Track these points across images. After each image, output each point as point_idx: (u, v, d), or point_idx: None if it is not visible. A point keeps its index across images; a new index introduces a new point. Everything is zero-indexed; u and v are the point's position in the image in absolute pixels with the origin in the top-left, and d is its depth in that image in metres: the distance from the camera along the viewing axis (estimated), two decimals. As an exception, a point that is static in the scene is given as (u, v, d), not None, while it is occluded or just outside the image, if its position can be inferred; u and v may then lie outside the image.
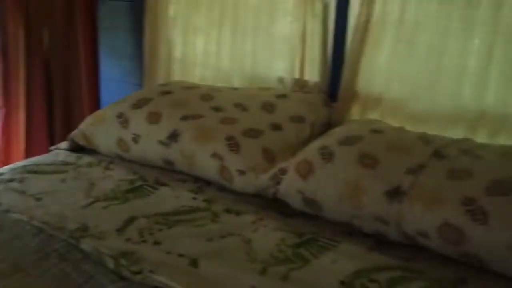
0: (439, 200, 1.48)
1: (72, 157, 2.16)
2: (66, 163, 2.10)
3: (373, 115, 2.17)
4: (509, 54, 1.84)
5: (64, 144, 2.26)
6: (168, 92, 2.24)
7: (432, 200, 1.48)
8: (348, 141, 1.78)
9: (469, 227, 1.40)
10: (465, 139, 1.84)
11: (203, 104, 2.14)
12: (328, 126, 2.18)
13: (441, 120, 2.00)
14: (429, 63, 2.00)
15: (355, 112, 2.22)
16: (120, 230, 1.60)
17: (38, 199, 1.78)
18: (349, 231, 1.63)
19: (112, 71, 3.08)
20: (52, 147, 2.31)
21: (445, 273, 1.41)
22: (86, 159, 2.14)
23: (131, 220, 1.65)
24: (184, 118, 2.04)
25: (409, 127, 2.03)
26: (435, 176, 1.55)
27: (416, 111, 2.05)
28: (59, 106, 3.05)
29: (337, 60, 2.29)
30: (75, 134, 2.22)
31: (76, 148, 2.24)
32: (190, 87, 2.34)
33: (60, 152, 2.22)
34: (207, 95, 2.22)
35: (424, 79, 2.01)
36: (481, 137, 1.92)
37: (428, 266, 1.43)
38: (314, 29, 2.28)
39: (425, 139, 1.76)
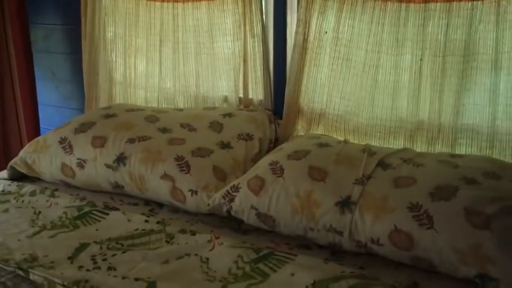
0: (387, 208, 1.55)
1: (13, 186, 2.09)
2: (8, 193, 2.02)
3: (317, 130, 2.23)
4: (437, 68, 1.96)
5: (3, 173, 2.18)
6: (111, 115, 2.22)
7: (381, 208, 1.55)
8: (297, 155, 1.83)
9: (417, 232, 1.48)
10: (405, 149, 1.94)
11: (149, 126, 2.12)
12: (275, 142, 2.24)
13: (381, 132, 2.10)
14: (366, 79, 2.09)
15: (300, 128, 2.28)
16: (71, 258, 1.56)
17: (-20, 232, 1.70)
18: (304, 244, 1.67)
19: (49, 96, 2.99)
20: (-9, 177, 2.21)
21: (399, 278, 1.47)
22: (29, 187, 2.07)
23: (82, 247, 1.61)
24: (131, 140, 2.02)
25: (352, 140, 2.12)
26: (382, 185, 1.63)
27: (358, 125, 2.13)
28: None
29: (280, 78, 2.36)
30: (15, 162, 2.14)
31: (17, 177, 2.16)
32: (134, 109, 2.32)
33: (-1, 181, 2.14)
34: (152, 116, 2.21)
35: (363, 94, 2.10)
36: (419, 147, 2.03)
37: (383, 273, 1.49)
38: (254, 48, 2.34)
39: (369, 151, 1.84)
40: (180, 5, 2.44)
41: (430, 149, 2.01)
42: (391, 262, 1.54)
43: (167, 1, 2.46)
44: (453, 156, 1.85)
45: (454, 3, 1.87)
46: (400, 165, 1.74)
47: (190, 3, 2.41)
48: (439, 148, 2.00)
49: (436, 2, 1.90)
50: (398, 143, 2.07)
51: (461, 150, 1.98)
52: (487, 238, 1.41)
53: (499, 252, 1.39)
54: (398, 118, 2.06)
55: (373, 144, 2.07)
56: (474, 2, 1.85)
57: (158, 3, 2.48)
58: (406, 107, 2.04)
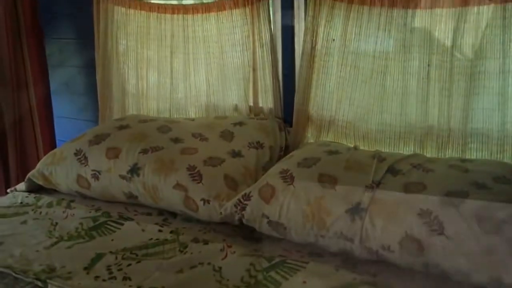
0: (397, 214, 1.56)
1: (31, 198, 2.13)
2: (25, 205, 2.06)
3: (327, 137, 2.25)
4: (445, 73, 1.97)
5: (21, 185, 2.22)
6: (125, 127, 2.25)
7: (391, 214, 1.56)
8: (307, 163, 1.84)
9: (428, 238, 1.49)
10: (415, 155, 1.96)
11: (161, 136, 2.16)
12: (285, 150, 2.26)
13: (391, 138, 2.11)
14: (374, 85, 2.10)
15: (310, 135, 2.30)
16: (88, 268, 1.59)
17: (-1, 243, 1.74)
18: (316, 251, 1.68)
19: (64, 109, 3.05)
20: (10, 189, 2.26)
21: (411, 286, 1.47)
22: (46, 199, 2.11)
23: (98, 257, 1.65)
24: (144, 151, 2.05)
25: (362, 147, 2.13)
26: (392, 191, 1.64)
27: (367, 131, 2.14)
28: (13, 146, 2.96)
29: (289, 86, 2.38)
30: (32, 174, 2.18)
31: (35, 189, 2.20)
32: (147, 120, 2.36)
33: (18, 193, 2.18)
34: (165, 126, 2.25)
35: (371, 100, 2.12)
36: (429, 152, 2.04)
37: (395, 280, 1.49)
38: (263, 57, 2.36)
39: (379, 157, 1.86)
40: (190, 17, 2.48)
41: (440, 154, 2.02)
42: (403, 269, 1.54)
43: (177, 13, 2.50)
44: (463, 161, 1.86)
45: (460, 8, 1.88)
46: (410, 171, 1.75)
47: (199, 15, 2.45)
48: (450, 153, 2.01)
49: (442, 7, 1.91)
50: (408, 149, 2.08)
51: (471, 154, 1.98)
52: (498, 243, 1.41)
53: (511, 257, 1.39)
54: (408, 124, 2.07)
55: (383, 150, 2.08)
56: (480, 6, 1.85)
57: (168, 16, 2.53)
58: (415, 112, 2.05)
